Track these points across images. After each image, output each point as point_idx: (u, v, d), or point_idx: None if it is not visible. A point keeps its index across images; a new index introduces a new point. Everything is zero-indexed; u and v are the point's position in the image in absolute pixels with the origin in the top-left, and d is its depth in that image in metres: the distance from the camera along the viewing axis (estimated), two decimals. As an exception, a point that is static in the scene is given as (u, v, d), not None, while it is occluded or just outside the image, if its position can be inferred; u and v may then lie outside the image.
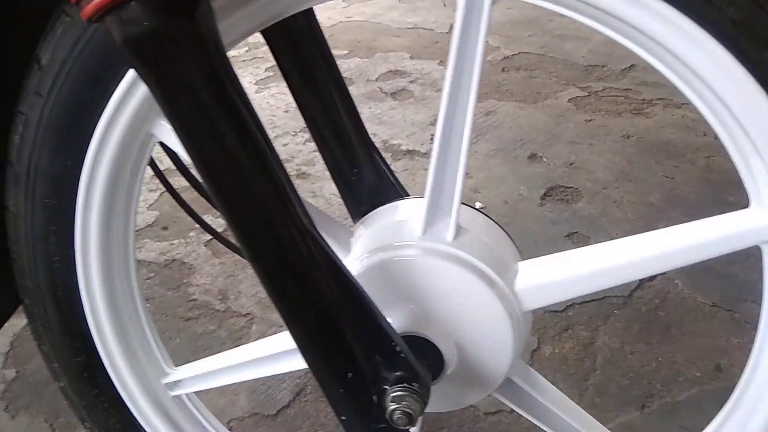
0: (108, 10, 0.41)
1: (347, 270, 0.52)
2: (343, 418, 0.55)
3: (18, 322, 1.36)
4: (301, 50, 0.69)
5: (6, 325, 0.82)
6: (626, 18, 0.47)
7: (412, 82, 2.30)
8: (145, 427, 0.74)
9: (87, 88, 0.56)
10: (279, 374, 1.18)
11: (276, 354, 0.70)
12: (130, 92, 0.56)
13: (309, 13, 0.67)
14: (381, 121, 2.01)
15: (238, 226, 0.49)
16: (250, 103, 0.47)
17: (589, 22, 0.49)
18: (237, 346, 0.73)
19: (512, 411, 1.10)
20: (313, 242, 0.50)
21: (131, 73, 0.55)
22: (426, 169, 1.89)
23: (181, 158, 0.84)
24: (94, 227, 0.63)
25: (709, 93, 0.49)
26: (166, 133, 0.60)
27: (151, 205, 1.70)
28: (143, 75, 0.45)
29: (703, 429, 0.62)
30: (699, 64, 0.47)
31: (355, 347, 0.53)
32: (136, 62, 0.44)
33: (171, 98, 0.45)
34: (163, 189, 1.72)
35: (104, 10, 0.41)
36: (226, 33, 0.49)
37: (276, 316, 1.33)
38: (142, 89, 0.56)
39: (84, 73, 0.55)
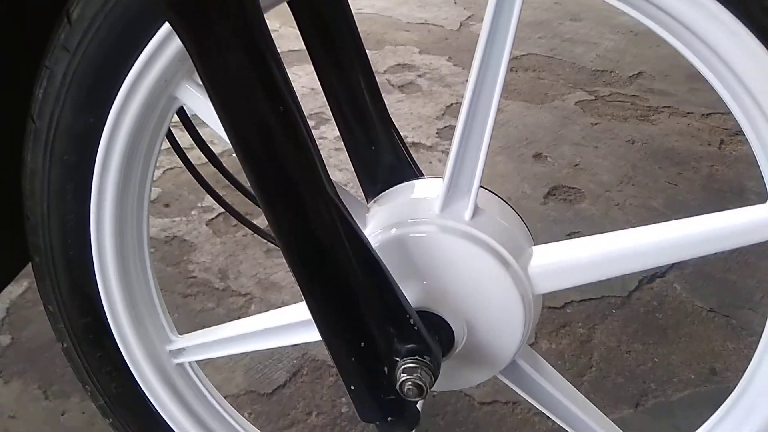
0: (151, -38, 0.41)
1: (368, 240, 0.53)
2: (352, 387, 0.55)
3: (14, 289, 1.35)
4: (328, 24, 0.69)
5: (3, 291, 0.82)
6: (658, 2, 0.47)
7: (419, 76, 2.30)
8: (147, 393, 0.74)
9: (115, 46, 0.56)
10: (280, 350, 1.19)
11: (282, 326, 0.70)
12: (157, 53, 0.56)
13: (338, -12, 0.67)
14: (387, 113, 2.01)
15: (264, 189, 0.49)
16: (283, 66, 0.47)
17: (623, 6, 0.49)
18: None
19: (507, 402, 1.11)
20: (337, 211, 0.51)
21: (159, 34, 0.55)
22: (430, 162, 1.89)
23: (199, 131, 0.83)
24: (110, 188, 0.63)
25: (737, 84, 0.49)
26: (190, 96, 0.59)
27: (154, 181, 1.70)
28: (182, 34, 0.45)
29: (696, 429, 0.62)
30: (731, 54, 0.47)
31: (370, 317, 0.53)
32: (174, 18, 0.44)
33: (207, 55, 0.45)
34: (166, 167, 1.73)
35: (147, -40, 0.41)
36: (260, -4, 0.49)
37: (275, 297, 1.34)
38: (170, 50, 0.56)
39: (113, 31, 0.55)
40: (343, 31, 0.68)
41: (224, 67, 0.46)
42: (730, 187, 1.65)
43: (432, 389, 0.56)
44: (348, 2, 0.69)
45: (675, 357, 1.20)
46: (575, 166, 1.79)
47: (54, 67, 0.58)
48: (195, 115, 0.62)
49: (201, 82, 0.49)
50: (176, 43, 0.55)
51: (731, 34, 0.47)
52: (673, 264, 1.39)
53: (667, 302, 1.32)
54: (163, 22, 0.54)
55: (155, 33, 0.55)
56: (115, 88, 0.58)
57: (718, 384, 1.13)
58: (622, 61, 2.36)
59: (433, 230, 0.59)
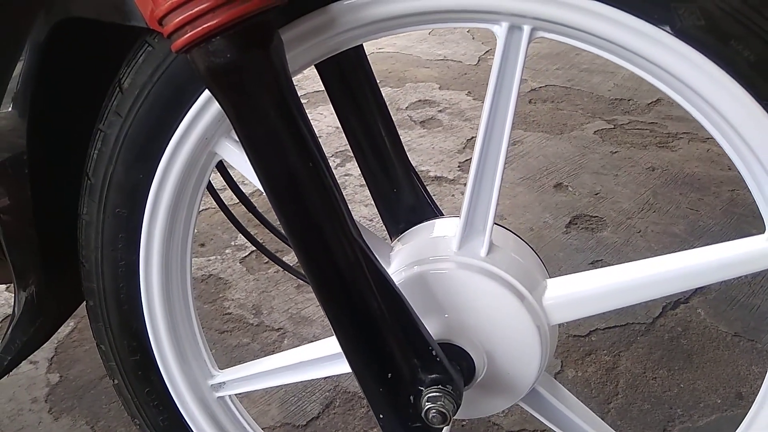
0: (196, 44, 0.48)
1: (392, 279, 0.58)
2: (381, 416, 0.60)
3: (62, 329, 1.43)
4: (349, 77, 0.75)
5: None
6: (651, 57, 0.52)
7: (440, 111, 2.36)
8: (192, 426, 0.79)
9: (162, 111, 0.63)
10: (313, 383, 1.23)
11: (315, 359, 0.74)
12: (199, 115, 0.63)
13: (358, 45, 0.73)
14: (410, 149, 2.07)
15: (295, 234, 0.55)
16: (310, 124, 0.53)
17: (619, 61, 0.54)
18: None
19: (535, 430, 1.13)
20: (362, 253, 0.56)
21: (201, 98, 0.62)
22: (453, 195, 1.94)
23: (233, 178, 0.90)
24: (157, 236, 0.69)
25: (727, 126, 0.53)
26: (228, 152, 0.66)
27: (188, 222, 1.78)
28: (221, 100, 0.51)
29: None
30: (718, 101, 0.52)
31: (396, 350, 0.58)
32: (216, 89, 0.51)
33: (245, 120, 0.51)
34: (201, 208, 1.80)
35: (193, 43, 0.48)
36: (289, 64, 0.55)
37: (306, 331, 1.39)
38: (210, 112, 0.62)
39: (160, 97, 0.62)
40: (362, 83, 0.74)
41: (259, 129, 0.52)
42: (752, 211, 1.66)
43: (456, 417, 0.61)
44: (367, 57, 0.75)
45: (701, 382, 1.21)
46: (596, 194, 1.82)
47: (107, 130, 0.65)
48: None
49: (238, 139, 0.55)
50: (216, 105, 0.61)
51: (710, 78, 0.51)
52: (697, 289, 1.40)
53: (691, 328, 1.34)
54: (204, 89, 0.60)
55: (198, 98, 0.62)
56: (162, 147, 0.64)
57: (744, 408, 1.14)
58: (640, 89, 2.40)
59: (451, 267, 0.63)
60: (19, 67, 0.65)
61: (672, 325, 1.35)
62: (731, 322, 1.34)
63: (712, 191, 1.80)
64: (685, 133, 2.10)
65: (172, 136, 0.64)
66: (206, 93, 0.61)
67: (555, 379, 1.24)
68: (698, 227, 1.65)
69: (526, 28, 0.55)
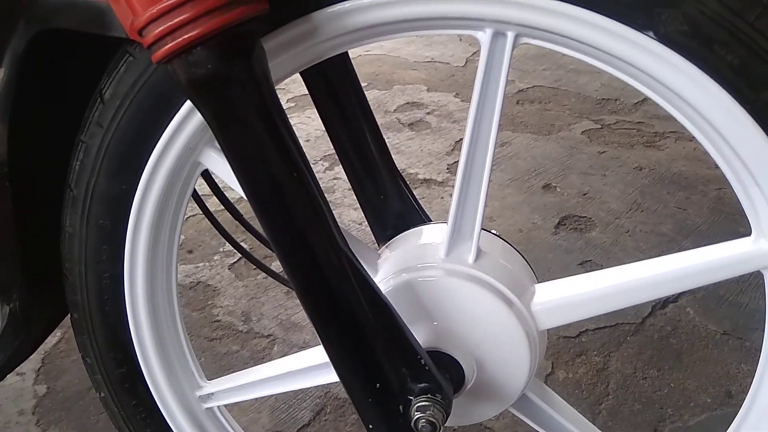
0: (177, 54, 0.47)
1: (378, 288, 0.57)
2: (371, 426, 0.59)
3: (48, 340, 1.41)
4: (334, 85, 0.75)
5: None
6: (635, 63, 0.52)
7: (428, 113, 2.36)
8: (180, 437, 0.78)
9: (144, 121, 0.62)
10: (304, 391, 1.23)
11: (304, 369, 0.74)
12: (182, 125, 0.62)
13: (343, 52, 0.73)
14: (399, 151, 2.07)
15: (280, 245, 0.54)
16: (294, 133, 0.53)
17: (604, 66, 0.54)
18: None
19: (527, 433, 1.13)
20: (348, 262, 0.55)
21: (183, 108, 0.61)
22: (442, 198, 1.94)
23: (218, 185, 0.89)
24: (142, 247, 0.68)
25: (712, 131, 0.53)
26: (212, 161, 0.65)
27: (176, 229, 1.76)
28: (203, 109, 0.51)
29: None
30: (703, 106, 0.52)
31: (384, 360, 0.57)
32: (197, 99, 0.50)
33: (227, 130, 0.51)
34: (188, 214, 1.79)
35: (173, 54, 0.47)
36: (272, 72, 0.54)
37: (296, 338, 1.38)
38: (193, 122, 0.62)
39: (142, 108, 0.61)
40: (348, 90, 0.74)
41: (242, 140, 0.51)
42: (739, 210, 1.65)
43: (446, 425, 0.60)
44: (351, 63, 0.75)
45: (690, 381, 1.21)
46: (584, 195, 1.82)
47: (89, 141, 0.64)
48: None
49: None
50: (198, 115, 0.61)
51: (695, 83, 0.51)
52: (685, 288, 1.41)
53: (680, 327, 1.34)
54: (187, 99, 0.60)
55: (180, 108, 0.61)
56: (145, 157, 0.64)
57: (734, 407, 1.15)
58: (626, 89, 2.41)
59: (439, 274, 0.63)
60: (-2, 78, 0.64)
61: (661, 325, 1.35)
62: (720, 321, 1.34)
63: (699, 190, 1.81)
64: (671, 132, 2.12)
65: (155, 146, 0.63)
66: (189, 103, 0.60)
67: (546, 380, 1.24)
68: (686, 226, 1.65)
69: (510, 35, 0.54)
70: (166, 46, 0.47)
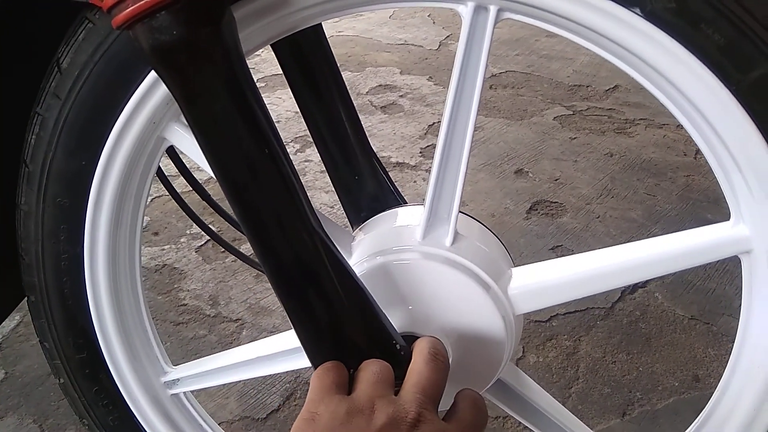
0: (139, 19, 0.44)
1: (353, 270, 0.55)
2: (344, 413, 0.57)
3: (7, 323, 1.36)
4: (308, 60, 0.72)
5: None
6: (620, 40, 0.51)
7: (401, 96, 2.34)
8: (144, 425, 0.75)
9: (105, 92, 0.58)
10: (273, 375, 1.20)
11: (274, 354, 0.72)
12: (146, 97, 0.59)
13: (317, 25, 0.70)
14: (371, 134, 2.04)
15: (250, 226, 0.52)
16: (266, 108, 0.50)
17: (587, 44, 0.53)
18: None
19: (498, 416, 1.13)
20: (321, 244, 0.53)
21: (147, 79, 0.58)
22: (415, 181, 1.92)
23: (185, 163, 0.86)
24: (103, 227, 0.65)
25: (695, 112, 0.52)
26: (177, 137, 0.62)
27: (141, 210, 1.71)
28: (167, 80, 0.48)
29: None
30: (686, 86, 0.51)
31: (358, 345, 0.55)
32: (161, 68, 0.47)
33: (193, 102, 0.48)
34: (154, 195, 1.74)
35: (135, 18, 0.44)
36: (242, 43, 0.51)
37: (266, 322, 1.36)
38: (158, 94, 0.58)
39: (102, 78, 0.58)
40: (322, 67, 0.71)
41: (209, 113, 0.48)
42: (706, 197, 1.69)
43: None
44: (326, 38, 0.72)
45: (659, 365, 1.23)
46: (556, 180, 1.83)
47: (46, 113, 0.61)
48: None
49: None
50: (164, 87, 0.57)
51: (679, 62, 0.50)
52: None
53: (649, 312, 1.36)
54: (151, 69, 0.56)
55: (143, 79, 0.57)
56: (106, 132, 0.60)
57: (701, 391, 1.16)
58: (598, 76, 2.42)
59: (415, 257, 0.61)
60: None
61: (630, 309, 1.37)
62: (688, 306, 1.36)
63: (669, 177, 1.83)
64: (642, 119, 2.13)
65: (116, 120, 0.59)
66: (153, 73, 0.56)
67: (517, 364, 1.24)
68: (655, 212, 1.67)
69: (492, 9, 0.52)
70: (128, 10, 0.43)
